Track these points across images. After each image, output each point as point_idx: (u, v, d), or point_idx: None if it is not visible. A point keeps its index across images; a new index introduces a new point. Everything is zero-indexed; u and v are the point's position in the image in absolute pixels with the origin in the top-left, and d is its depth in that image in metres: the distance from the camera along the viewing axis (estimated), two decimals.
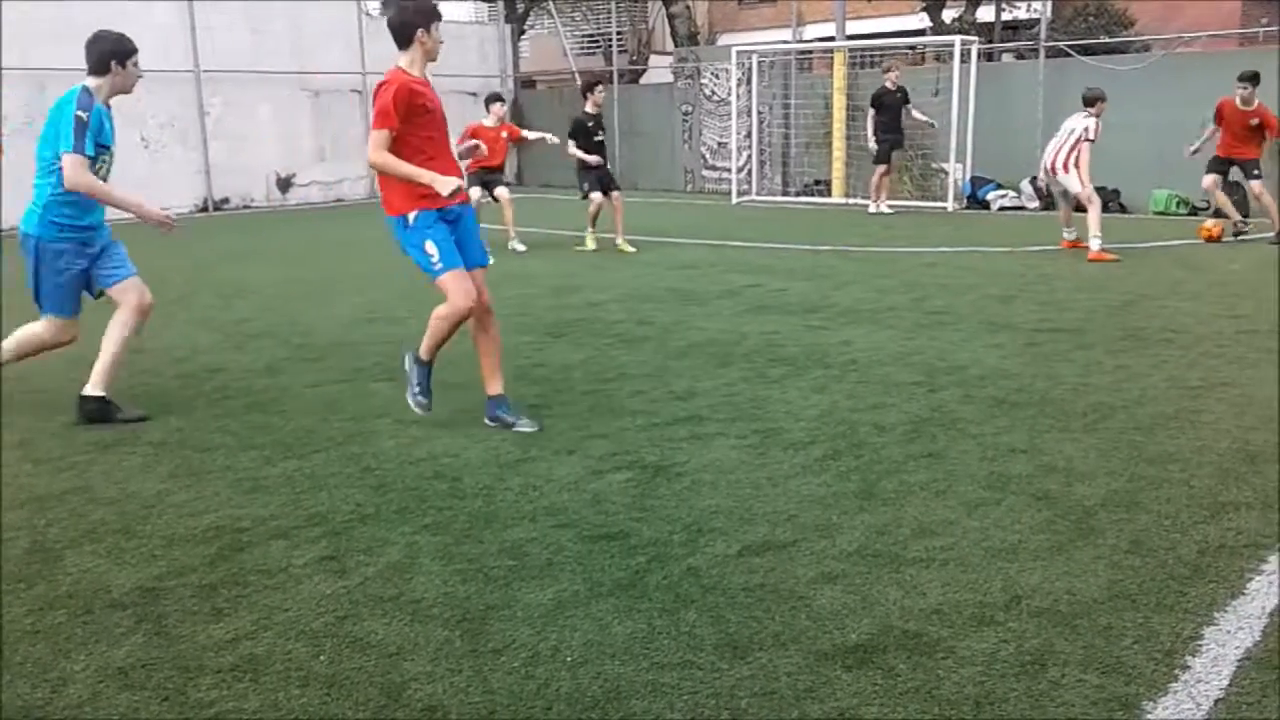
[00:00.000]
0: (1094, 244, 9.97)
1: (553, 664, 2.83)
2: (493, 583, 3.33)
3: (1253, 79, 11.14)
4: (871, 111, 14.46)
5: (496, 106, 12.27)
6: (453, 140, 5.22)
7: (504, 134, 12.14)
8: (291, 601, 3.24)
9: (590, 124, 11.53)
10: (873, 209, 14.58)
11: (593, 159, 11.36)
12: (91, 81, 5.07)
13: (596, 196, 11.46)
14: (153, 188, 17.01)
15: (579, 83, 12.46)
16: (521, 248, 11.99)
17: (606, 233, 11.76)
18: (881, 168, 14.53)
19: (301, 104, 19.14)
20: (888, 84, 14.38)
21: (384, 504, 4.04)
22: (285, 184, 19.28)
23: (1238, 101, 11.15)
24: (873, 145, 14.47)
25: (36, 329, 5.32)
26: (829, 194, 16.98)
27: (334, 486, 4.25)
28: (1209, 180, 11.39)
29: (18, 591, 3.35)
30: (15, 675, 2.83)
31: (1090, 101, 10.37)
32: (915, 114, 14.53)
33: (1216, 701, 2.54)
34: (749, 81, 17.73)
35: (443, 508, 3.98)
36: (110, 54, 5.08)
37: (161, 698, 2.71)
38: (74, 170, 4.89)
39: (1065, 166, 10.27)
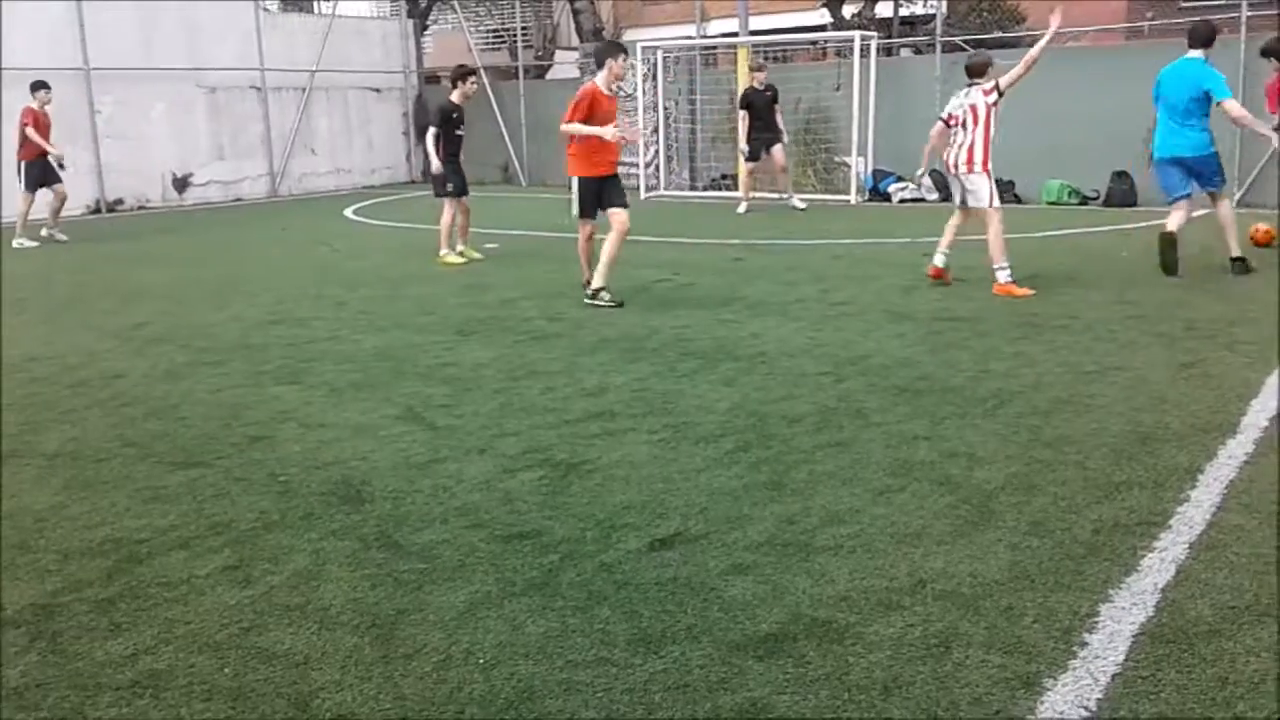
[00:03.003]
0: (1001, 275, 7.78)
1: (465, 667, 2.81)
2: (403, 587, 3.28)
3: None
4: (743, 113, 14.49)
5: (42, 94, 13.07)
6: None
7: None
8: (193, 613, 3.15)
9: (455, 114, 10.45)
10: (741, 208, 14.53)
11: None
12: (1196, 53, 8.00)
13: (465, 200, 10.48)
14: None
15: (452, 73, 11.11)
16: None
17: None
18: (749, 166, 14.64)
19: (198, 101, 18.59)
20: (755, 84, 14.41)
21: (290, 510, 3.95)
22: (182, 183, 18.70)
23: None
24: (744, 146, 14.46)
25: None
26: (736, 188, 17.12)
27: (237, 494, 4.14)
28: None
29: None
30: None
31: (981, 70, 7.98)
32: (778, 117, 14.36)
33: (1114, 676, 2.64)
34: (654, 77, 17.77)
35: (351, 513, 3.92)
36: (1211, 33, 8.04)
37: (58, 718, 2.61)
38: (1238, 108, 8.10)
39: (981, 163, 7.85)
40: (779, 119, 14.23)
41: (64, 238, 13.48)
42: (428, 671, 2.79)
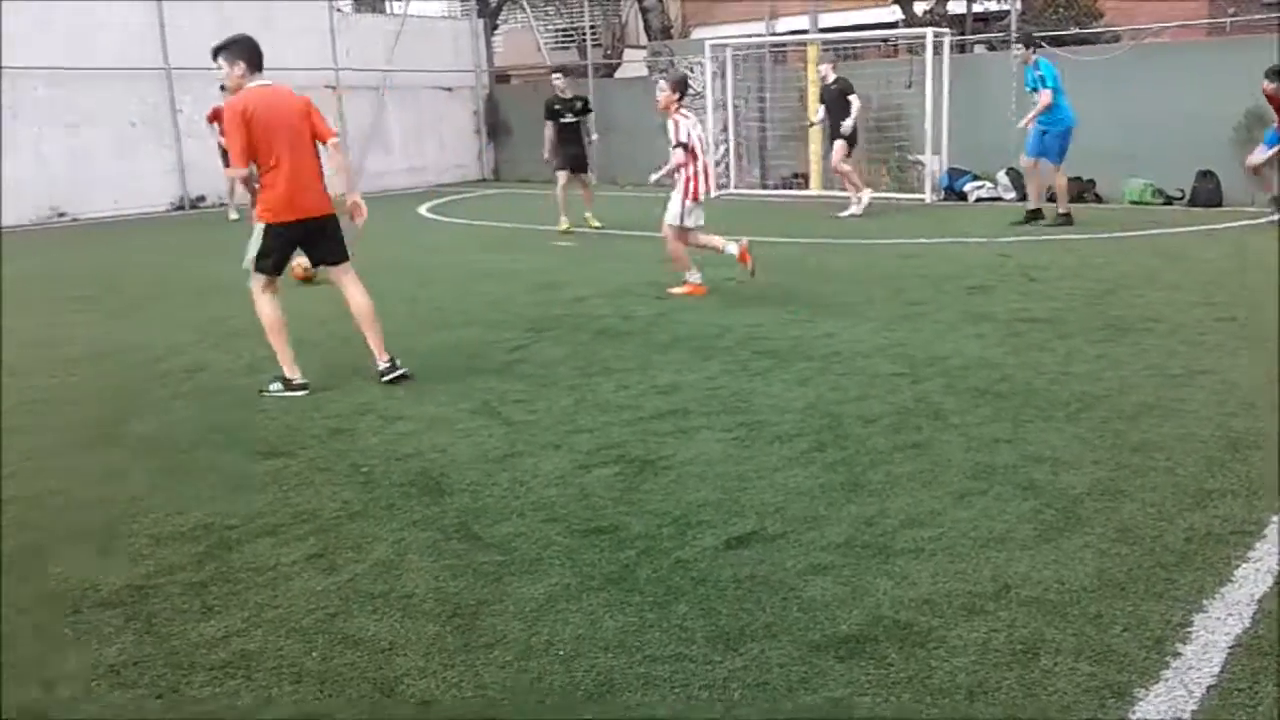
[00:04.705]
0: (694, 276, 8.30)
1: (545, 658, 2.83)
2: (483, 578, 3.32)
3: None
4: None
5: None
6: None
7: None
8: (282, 598, 3.22)
9: (557, 106, 12.58)
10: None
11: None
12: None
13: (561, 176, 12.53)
14: (128, 186, 16.91)
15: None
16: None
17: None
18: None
19: None
20: (827, 78, 13.95)
21: (371, 500, 4.02)
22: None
23: None
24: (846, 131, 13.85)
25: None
26: (807, 187, 17.00)
27: (320, 484, 4.22)
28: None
29: (6, 591, 3.31)
30: (6, 675, 2.81)
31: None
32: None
33: (1209, 688, 2.57)
34: (724, 75, 17.73)
35: (430, 504, 3.97)
36: None
37: (155, 695, 2.70)
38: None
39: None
40: (847, 113, 13.63)
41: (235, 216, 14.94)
42: (509, 661, 2.82)
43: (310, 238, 5.69)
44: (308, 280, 8.40)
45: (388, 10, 26.72)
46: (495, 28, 25.41)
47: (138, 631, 3.03)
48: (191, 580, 3.36)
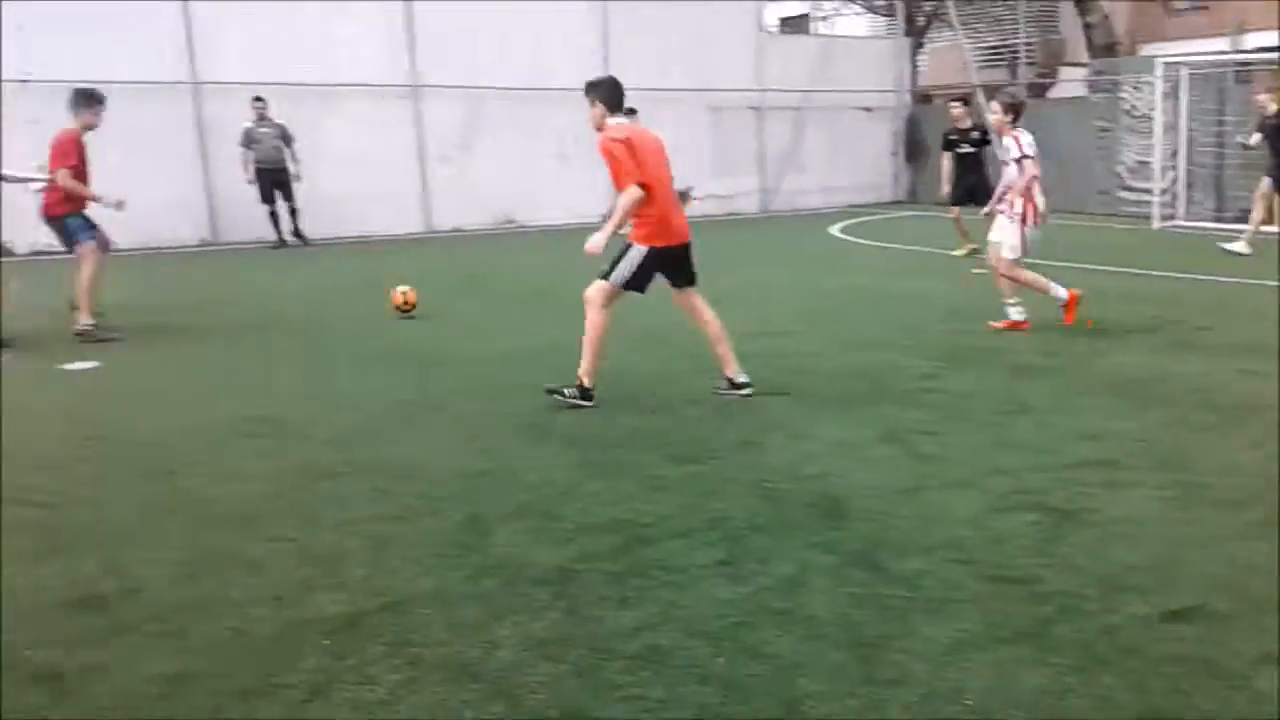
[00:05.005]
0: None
1: (952, 705, 2.72)
2: (887, 611, 3.26)
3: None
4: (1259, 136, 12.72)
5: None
6: None
7: None
8: (691, 599, 3.36)
9: (954, 136, 12.61)
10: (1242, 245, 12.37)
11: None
12: None
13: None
14: (564, 198, 18.50)
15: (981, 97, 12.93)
16: None
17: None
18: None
19: (700, 119, 19.89)
20: (1267, 109, 12.59)
21: (776, 516, 4.09)
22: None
23: None
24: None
25: None
26: (1271, 221, 14.99)
27: (729, 494, 4.36)
28: None
29: (457, 557, 3.75)
30: (455, 634, 3.17)
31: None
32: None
33: None
34: (1176, 96, 16.14)
35: (832, 528, 3.96)
36: None
37: (576, 673, 2.92)
38: None
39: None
40: None
41: None
42: (913, 702, 2.74)
43: (677, 260, 6.01)
44: (408, 309, 8.96)
45: (812, 30, 27.19)
46: (920, 46, 24.99)
47: (563, 611, 3.30)
48: (611, 570, 3.60)
